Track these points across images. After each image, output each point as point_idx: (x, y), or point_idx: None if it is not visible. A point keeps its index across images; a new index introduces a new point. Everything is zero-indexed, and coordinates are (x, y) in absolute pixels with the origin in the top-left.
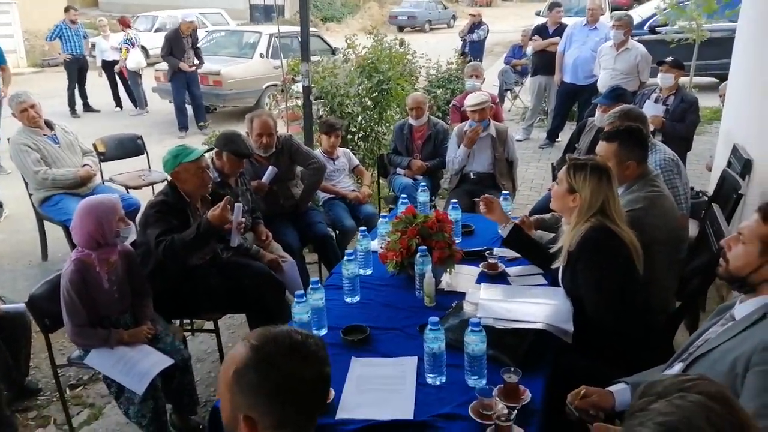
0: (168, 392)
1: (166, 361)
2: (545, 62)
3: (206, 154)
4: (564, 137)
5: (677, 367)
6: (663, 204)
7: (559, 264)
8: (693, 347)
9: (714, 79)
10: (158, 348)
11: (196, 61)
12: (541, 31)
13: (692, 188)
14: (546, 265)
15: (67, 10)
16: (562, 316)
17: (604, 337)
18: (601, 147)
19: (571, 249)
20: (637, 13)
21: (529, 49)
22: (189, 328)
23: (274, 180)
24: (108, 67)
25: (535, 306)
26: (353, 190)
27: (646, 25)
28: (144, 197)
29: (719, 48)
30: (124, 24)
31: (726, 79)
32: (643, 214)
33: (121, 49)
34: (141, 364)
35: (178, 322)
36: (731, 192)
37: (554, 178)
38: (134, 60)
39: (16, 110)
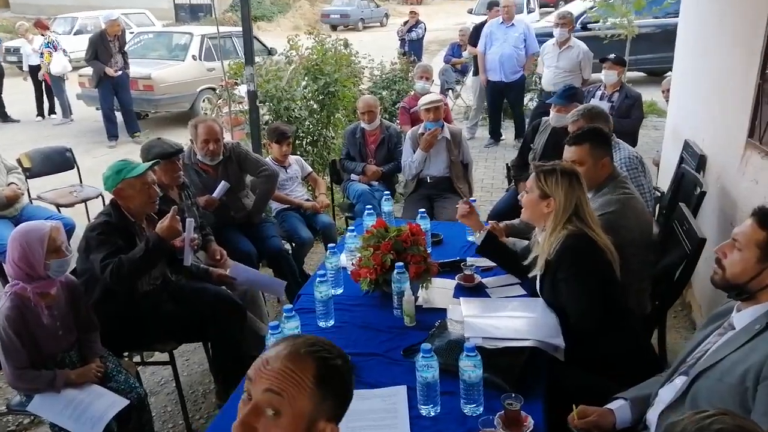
0: None
1: (121, 403)
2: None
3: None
4: (507, 135)
5: (679, 380)
6: (635, 206)
7: (536, 273)
8: (692, 358)
9: (643, 74)
10: (110, 387)
11: (121, 65)
12: (480, 29)
13: (656, 188)
14: (521, 274)
15: None
16: (551, 330)
17: (589, 345)
18: (571, 152)
19: (549, 258)
20: (570, 11)
21: (466, 53)
22: (140, 361)
23: (224, 195)
24: (33, 72)
25: (522, 320)
26: (307, 199)
27: (578, 21)
28: (76, 215)
29: (649, 43)
30: (42, 27)
31: (658, 74)
32: (616, 217)
33: (42, 53)
34: (93, 408)
35: (126, 355)
36: (691, 189)
37: (509, 179)
38: (59, 64)
39: None
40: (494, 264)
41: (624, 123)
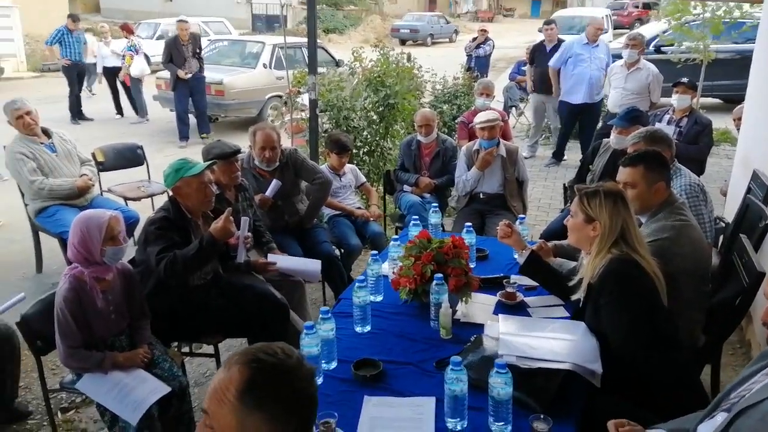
0: (164, 421)
1: (163, 389)
2: (543, 80)
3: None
4: (570, 156)
5: (720, 417)
6: (690, 234)
7: (579, 296)
8: (735, 395)
9: (719, 101)
10: (155, 373)
11: (194, 69)
12: (538, 48)
13: (717, 217)
14: (565, 296)
15: (73, 20)
16: (589, 355)
17: (630, 374)
18: (625, 173)
19: (592, 281)
20: (642, 33)
21: (525, 67)
22: (187, 351)
23: (278, 194)
24: (109, 73)
25: (559, 342)
26: (359, 208)
27: (652, 44)
28: (143, 209)
29: (725, 69)
30: (128, 30)
31: (735, 102)
32: (670, 244)
33: (124, 56)
34: (136, 392)
35: (176, 345)
36: (756, 220)
37: (566, 199)
38: (138, 67)
39: (11, 117)
40: (537, 283)
41: (691, 149)
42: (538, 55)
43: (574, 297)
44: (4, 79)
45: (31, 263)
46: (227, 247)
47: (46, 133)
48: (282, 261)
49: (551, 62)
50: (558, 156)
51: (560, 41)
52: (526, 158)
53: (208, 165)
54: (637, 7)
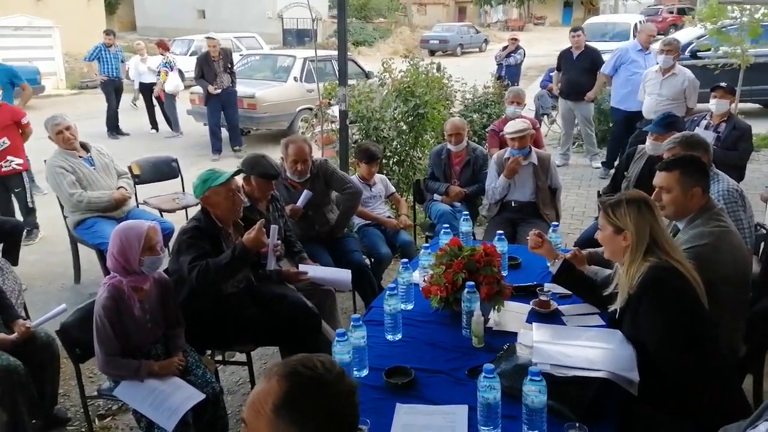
0: (199, 427)
1: (197, 396)
2: (572, 86)
3: (236, 177)
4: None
5: (763, 427)
6: (730, 240)
7: (616, 306)
8: None
9: (758, 106)
10: (189, 381)
11: (226, 84)
12: (565, 55)
13: (758, 224)
14: (600, 304)
15: (107, 34)
16: (626, 363)
17: (671, 384)
18: (661, 178)
19: (631, 291)
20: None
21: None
22: (220, 359)
23: (308, 205)
24: (145, 89)
25: (595, 351)
26: (389, 217)
27: (687, 50)
28: (178, 221)
29: (764, 73)
30: (164, 47)
31: None
32: (709, 251)
33: (159, 72)
34: (171, 399)
35: (209, 353)
36: None
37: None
38: (173, 83)
39: (51, 132)
40: (571, 292)
41: (729, 155)
42: (565, 61)
43: (611, 308)
44: (45, 97)
45: (70, 274)
46: (258, 256)
47: (84, 147)
48: (313, 271)
49: (604, 68)
50: (609, 164)
51: (588, 48)
52: (558, 166)
53: (233, 174)
54: (671, 12)
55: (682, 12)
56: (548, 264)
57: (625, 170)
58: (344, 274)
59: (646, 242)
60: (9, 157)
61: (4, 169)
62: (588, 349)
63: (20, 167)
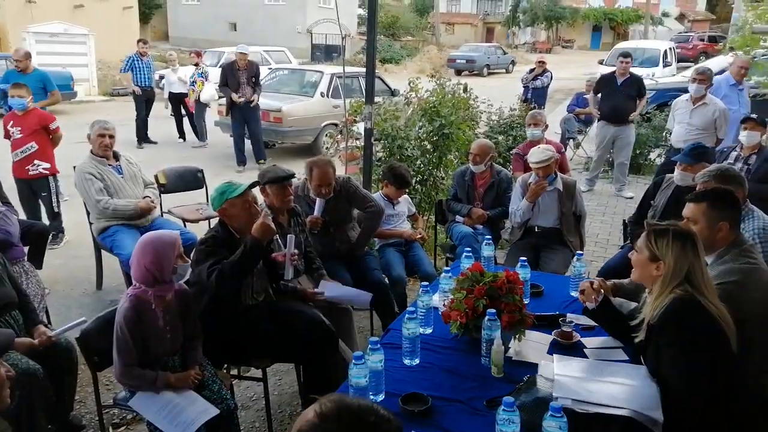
0: None
1: (211, 411)
2: (616, 111)
3: (252, 189)
4: (631, 191)
5: None
6: (761, 278)
7: (641, 337)
8: None
9: None
10: (204, 395)
11: (253, 96)
12: (608, 81)
13: None
14: (625, 339)
15: (139, 42)
16: (650, 401)
17: (696, 425)
18: (689, 209)
19: (652, 322)
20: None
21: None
22: (236, 374)
23: (325, 213)
24: (174, 99)
25: (618, 387)
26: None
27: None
28: (201, 231)
29: None
30: (198, 56)
31: None
32: (738, 288)
33: (194, 82)
34: (186, 413)
35: (225, 367)
36: None
37: (626, 236)
38: (208, 93)
39: (94, 132)
40: (596, 324)
41: (763, 188)
42: (607, 86)
43: (637, 339)
44: (77, 102)
45: (93, 280)
46: (274, 265)
47: (114, 155)
48: (331, 290)
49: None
50: None
51: (633, 74)
52: (584, 192)
53: (250, 186)
54: (702, 40)
55: (713, 39)
56: (576, 292)
57: (652, 199)
58: (365, 297)
59: (679, 278)
60: (36, 161)
61: (31, 173)
62: (611, 384)
63: (47, 171)
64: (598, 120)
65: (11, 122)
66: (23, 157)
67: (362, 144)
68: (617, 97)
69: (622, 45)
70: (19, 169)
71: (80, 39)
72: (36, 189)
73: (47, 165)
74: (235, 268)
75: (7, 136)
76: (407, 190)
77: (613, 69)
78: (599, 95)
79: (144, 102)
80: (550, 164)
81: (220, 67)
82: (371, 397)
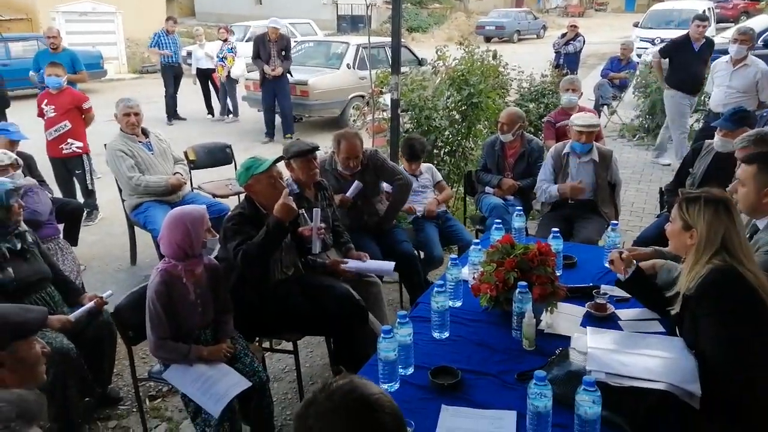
0: (245, 414)
1: (244, 384)
2: (695, 79)
3: (277, 164)
4: (670, 158)
5: None
6: None
7: (676, 310)
8: None
9: None
10: (236, 368)
11: (279, 69)
12: (682, 46)
13: None
14: (663, 311)
15: (167, 20)
16: (687, 375)
17: (736, 399)
18: (741, 169)
19: (689, 293)
20: (752, 27)
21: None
22: (267, 346)
23: (358, 195)
24: (202, 74)
25: (654, 360)
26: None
27: (761, 38)
28: (232, 205)
29: None
30: (227, 31)
31: None
32: None
33: (224, 57)
34: (218, 385)
35: (257, 340)
36: None
37: (662, 205)
38: (239, 68)
39: (120, 111)
40: (630, 295)
41: None
42: (682, 52)
43: (673, 312)
44: (107, 81)
45: (127, 256)
46: (302, 239)
47: (144, 132)
48: (356, 264)
49: None
50: None
51: (707, 38)
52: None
53: (275, 161)
54: None
55: None
56: (607, 264)
57: (691, 167)
58: (387, 266)
59: (715, 246)
60: (69, 140)
61: (64, 152)
62: (647, 357)
63: (80, 150)
64: (668, 89)
65: (45, 101)
66: (57, 135)
67: (389, 116)
68: (695, 64)
69: (658, 6)
70: (53, 148)
71: (108, 17)
72: (70, 167)
73: (80, 144)
74: (260, 249)
75: (41, 114)
76: (433, 160)
77: (681, 32)
78: (667, 60)
79: (172, 78)
80: (593, 132)
81: (247, 41)
82: (401, 370)
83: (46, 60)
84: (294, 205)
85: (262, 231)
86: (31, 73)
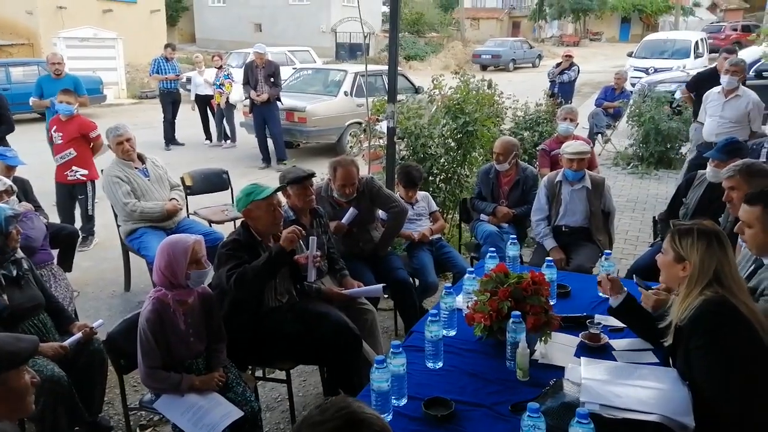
0: None
1: (236, 414)
2: None
3: (278, 193)
4: (661, 188)
5: None
6: None
7: (668, 342)
8: None
9: None
10: (228, 397)
11: (264, 95)
12: (711, 79)
13: None
14: (656, 341)
15: (166, 47)
16: (681, 406)
17: (728, 429)
18: (743, 211)
19: (681, 324)
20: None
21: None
22: (260, 376)
23: (353, 222)
24: (200, 101)
25: (647, 391)
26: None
27: (753, 69)
28: (227, 232)
29: None
30: (220, 58)
31: None
32: None
33: (222, 84)
34: (210, 415)
35: (249, 369)
36: None
37: (656, 233)
38: (237, 93)
39: (112, 142)
40: (624, 325)
41: None
42: (708, 85)
43: (666, 343)
44: (106, 106)
45: (121, 281)
46: (297, 267)
47: (140, 158)
48: (349, 291)
49: None
50: None
51: None
52: None
53: (277, 189)
54: (735, 29)
55: (746, 29)
56: (610, 298)
57: (684, 197)
58: (377, 288)
59: (707, 278)
60: (74, 167)
61: (69, 178)
62: (640, 389)
63: (84, 178)
64: (695, 121)
65: (54, 127)
66: (63, 162)
67: (385, 143)
68: None
69: (651, 37)
70: (60, 174)
71: (109, 43)
72: (74, 193)
73: (85, 171)
74: (258, 274)
75: (51, 139)
76: (428, 188)
77: (708, 66)
78: (694, 94)
79: (170, 104)
80: (584, 159)
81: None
82: (393, 401)
83: (48, 85)
84: (299, 237)
85: (263, 257)
86: (32, 98)
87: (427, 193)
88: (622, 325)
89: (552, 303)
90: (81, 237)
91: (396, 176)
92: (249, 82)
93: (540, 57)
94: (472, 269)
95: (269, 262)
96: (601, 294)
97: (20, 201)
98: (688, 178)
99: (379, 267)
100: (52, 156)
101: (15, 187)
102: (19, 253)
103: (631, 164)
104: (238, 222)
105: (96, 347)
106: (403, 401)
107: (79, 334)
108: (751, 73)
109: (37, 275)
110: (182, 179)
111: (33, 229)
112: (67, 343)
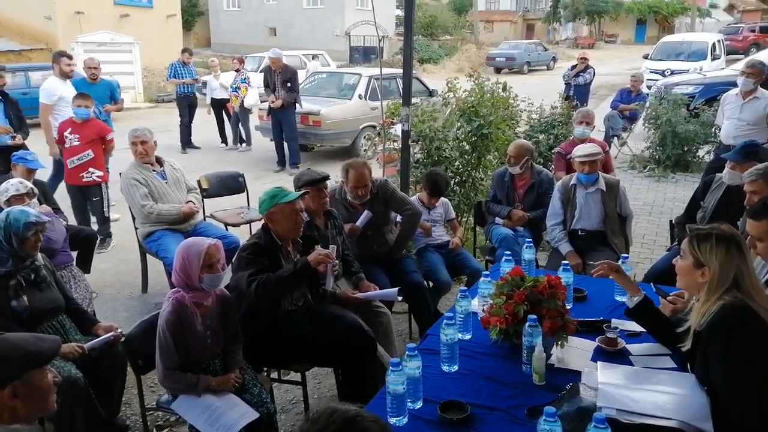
0: None
1: (252, 415)
2: None
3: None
4: (679, 191)
5: None
6: None
7: (687, 346)
8: None
9: None
10: (244, 398)
11: (279, 99)
12: None
13: None
14: (674, 346)
15: (183, 51)
16: (699, 412)
17: None
18: (750, 226)
19: (700, 329)
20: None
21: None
22: (276, 378)
23: (367, 225)
24: (216, 104)
25: (665, 396)
26: (447, 241)
27: None
28: (243, 234)
29: None
30: (240, 61)
31: None
32: None
33: (237, 87)
34: (226, 416)
35: (266, 370)
36: None
37: (673, 237)
38: (252, 98)
39: (129, 141)
40: (643, 330)
41: None
42: None
43: (684, 348)
44: (123, 110)
45: (138, 283)
46: (316, 274)
47: (158, 161)
48: (363, 294)
49: None
50: None
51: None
52: None
53: (301, 194)
54: (753, 31)
55: (765, 30)
56: (625, 299)
57: (701, 200)
58: (392, 292)
59: (726, 284)
60: (91, 169)
61: (85, 180)
62: (657, 394)
63: (99, 179)
64: None
65: (69, 129)
66: (79, 164)
67: (400, 146)
68: None
69: (667, 39)
70: (73, 176)
71: (126, 47)
72: (88, 195)
73: (100, 173)
74: (281, 283)
75: (61, 141)
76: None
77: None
78: None
79: (187, 108)
80: (596, 161)
81: (260, 71)
82: (409, 404)
83: (84, 90)
84: (330, 259)
85: (287, 268)
86: None
87: (447, 200)
88: (639, 329)
89: (568, 307)
90: (99, 239)
91: (421, 182)
92: (269, 86)
93: (555, 59)
94: (488, 272)
95: (294, 275)
96: (618, 299)
97: (40, 204)
98: (706, 181)
99: (393, 270)
100: (61, 158)
101: (36, 190)
102: (39, 260)
103: (648, 167)
104: (254, 225)
105: (120, 350)
106: (419, 404)
107: (105, 336)
108: None
109: (58, 277)
110: (199, 182)
111: (54, 231)
112: (90, 344)
